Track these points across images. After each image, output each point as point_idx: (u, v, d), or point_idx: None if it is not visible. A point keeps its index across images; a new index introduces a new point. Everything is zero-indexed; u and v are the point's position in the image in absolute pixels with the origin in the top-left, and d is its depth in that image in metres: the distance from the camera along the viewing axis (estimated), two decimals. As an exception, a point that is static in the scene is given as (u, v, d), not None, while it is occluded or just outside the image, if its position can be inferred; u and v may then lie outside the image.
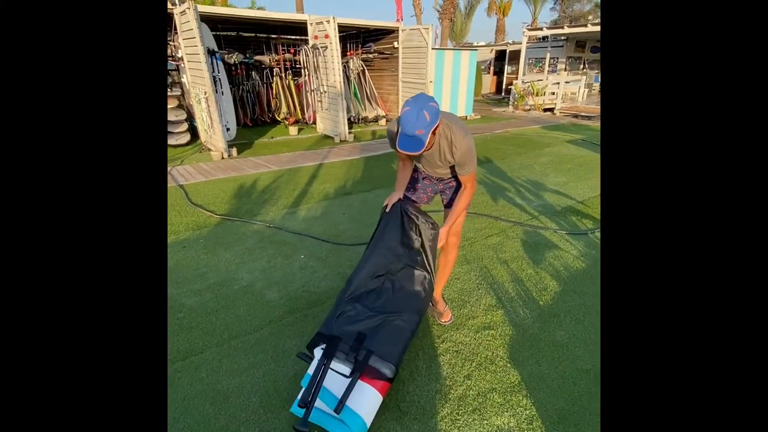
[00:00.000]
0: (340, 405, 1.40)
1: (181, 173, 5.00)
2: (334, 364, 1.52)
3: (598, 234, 3.13)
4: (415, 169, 2.02)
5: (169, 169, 5.11)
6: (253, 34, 8.51)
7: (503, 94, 15.65)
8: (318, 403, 1.47)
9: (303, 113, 8.23)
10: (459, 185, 1.89)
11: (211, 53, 5.78)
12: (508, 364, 1.80)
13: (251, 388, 1.68)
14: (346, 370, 1.51)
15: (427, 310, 1.92)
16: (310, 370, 1.54)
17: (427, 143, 1.48)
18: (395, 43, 8.16)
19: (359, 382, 1.48)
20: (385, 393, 1.52)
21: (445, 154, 1.71)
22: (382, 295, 1.74)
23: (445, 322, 2.07)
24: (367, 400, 1.46)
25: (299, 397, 1.47)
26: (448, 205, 2.00)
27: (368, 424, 1.44)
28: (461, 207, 1.85)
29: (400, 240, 1.82)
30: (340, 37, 6.83)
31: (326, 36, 6.58)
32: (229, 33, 8.18)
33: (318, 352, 1.56)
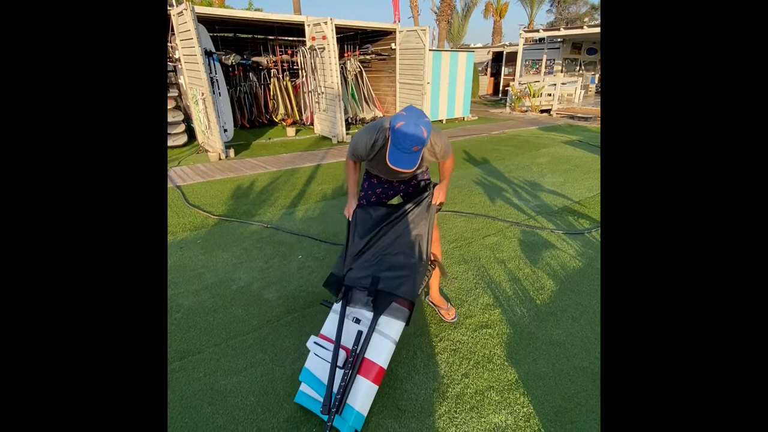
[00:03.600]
0: (340, 404, 1.41)
1: (178, 174, 4.99)
2: (356, 311, 1.65)
3: (594, 234, 3.14)
4: (370, 176, 1.98)
5: (166, 170, 5.11)
6: (250, 36, 8.51)
7: (500, 95, 15.72)
8: (316, 396, 1.52)
9: (300, 114, 8.23)
10: (419, 185, 1.93)
11: (208, 54, 5.78)
12: (506, 363, 1.81)
13: (249, 387, 1.68)
14: (368, 315, 1.63)
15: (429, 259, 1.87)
16: (308, 364, 1.60)
17: (419, 159, 1.44)
18: (392, 45, 8.18)
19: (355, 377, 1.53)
20: (379, 381, 1.53)
21: (428, 157, 1.68)
22: (384, 241, 1.77)
23: (451, 319, 2.09)
24: (361, 392, 1.48)
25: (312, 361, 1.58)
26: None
27: (365, 415, 1.47)
28: (449, 169, 1.87)
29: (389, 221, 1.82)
30: (337, 38, 6.84)
31: (324, 37, 6.59)
32: (226, 34, 8.18)
33: (337, 309, 1.70)
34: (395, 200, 2.04)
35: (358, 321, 1.67)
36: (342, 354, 1.53)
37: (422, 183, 1.93)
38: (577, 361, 1.81)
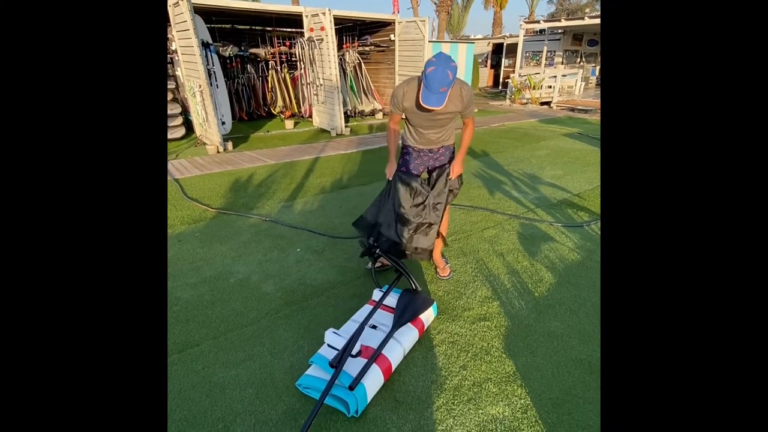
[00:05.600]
0: (356, 382, 1.51)
1: (176, 167, 4.97)
2: (374, 320, 1.89)
3: (593, 226, 3.14)
4: (407, 152, 2.23)
5: (164, 163, 5.09)
6: (248, 27, 8.42)
7: (500, 87, 15.61)
8: (324, 375, 1.59)
9: (299, 107, 8.17)
10: (445, 159, 2.20)
11: (205, 46, 5.71)
12: (504, 355, 1.81)
13: (247, 379, 1.68)
14: (386, 323, 1.87)
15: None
16: (321, 351, 1.68)
17: (447, 98, 1.75)
18: (392, 36, 8.09)
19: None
20: (387, 377, 1.64)
21: (455, 102, 1.91)
22: (416, 208, 2.12)
23: (444, 276, 2.26)
24: (373, 374, 1.59)
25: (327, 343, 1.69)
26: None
27: (369, 399, 1.53)
28: (468, 138, 2.16)
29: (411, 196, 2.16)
30: (336, 29, 6.77)
31: (322, 28, 6.52)
32: (223, 25, 8.08)
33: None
34: (424, 175, 2.30)
35: (374, 327, 1.85)
36: (357, 347, 1.67)
37: (447, 154, 2.19)
38: (575, 353, 1.81)
